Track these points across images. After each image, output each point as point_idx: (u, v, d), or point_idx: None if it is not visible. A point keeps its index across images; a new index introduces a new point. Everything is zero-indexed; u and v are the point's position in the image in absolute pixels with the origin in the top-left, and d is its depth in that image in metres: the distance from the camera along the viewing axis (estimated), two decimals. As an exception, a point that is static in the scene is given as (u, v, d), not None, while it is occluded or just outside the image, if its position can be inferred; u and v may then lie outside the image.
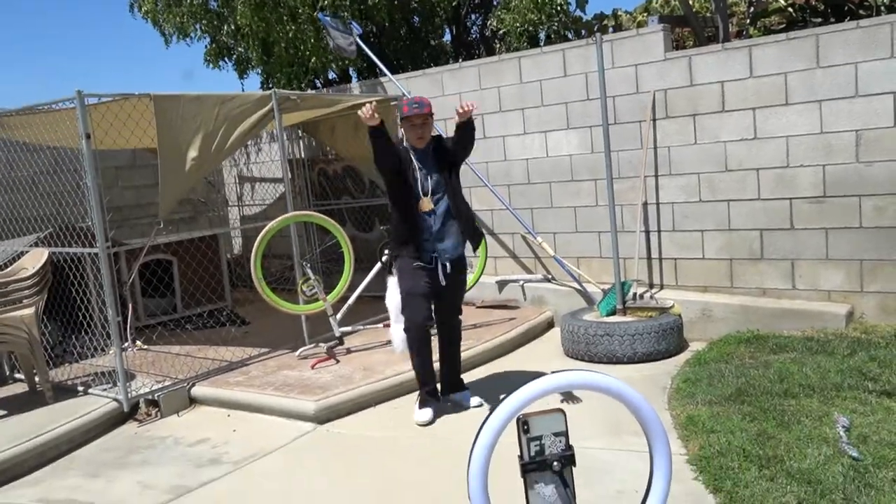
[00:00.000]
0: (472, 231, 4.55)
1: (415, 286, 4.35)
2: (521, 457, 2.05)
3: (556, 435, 2.02)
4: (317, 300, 5.69)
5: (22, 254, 5.56)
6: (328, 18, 7.31)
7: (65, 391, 5.19)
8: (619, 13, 9.84)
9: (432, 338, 4.53)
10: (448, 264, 4.38)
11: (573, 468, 2.06)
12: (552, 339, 5.96)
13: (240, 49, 9.21)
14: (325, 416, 4.59)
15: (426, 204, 4.34)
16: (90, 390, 5.14)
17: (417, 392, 4.56)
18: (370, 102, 4.19)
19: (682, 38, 8.25)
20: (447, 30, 10.42)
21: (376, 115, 4.12)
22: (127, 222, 7.79)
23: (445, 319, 4.57)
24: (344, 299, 5.86)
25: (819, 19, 7.28)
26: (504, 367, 5.42)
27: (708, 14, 8.08)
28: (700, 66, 5.61)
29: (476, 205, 6.99)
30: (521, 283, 6.69)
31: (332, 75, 9.54)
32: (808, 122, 5.23)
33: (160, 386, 5.09)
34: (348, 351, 5.68)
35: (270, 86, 8.36)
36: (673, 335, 5.26)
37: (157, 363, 5.69)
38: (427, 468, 3.84)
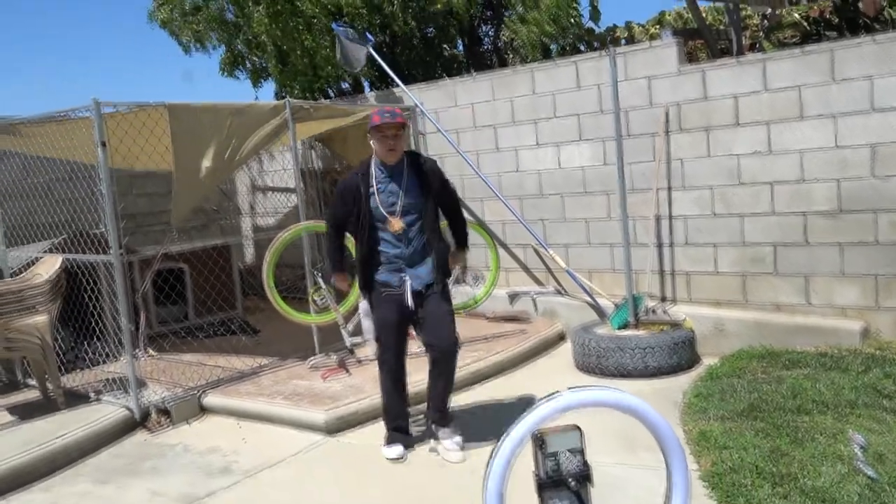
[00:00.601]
0: (444, 267, 4.12)
1: (386, 318, 4.04)
2: (536, 473, 2.03)
3: (572, 452, 2.00)
4: (328, 310, 5.70)
5: (36, 260, 5.60)
6: (342, 28, 7.34)
7: (76, 397, 5.21)
8: (633, 26, 9.84)
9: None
10: (419, 287, 4.01)
11: (590, 486, 2.04)
12: (563, 352, 5.94)
13: (255, 58, 9.27)
14: (335, 427, 4.58)
15: (395, 224, 3.95)
16: (102, 397, 5.15)
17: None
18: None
19: (695, 51, 8.24)
20: (460, 41, 10.46)
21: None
22: (140, 230, 7.83)
23: (433, 343, 4.07)
24: (355, 310, 5.86)
25: (834, 33, 7.25)
26: (514, 380, 5.39)
27: (721, 27, 8.07)
28: (714, 79, 5.59)
29: (488, 216, 6.99)
30: (533, 295, 6.67)
31: (345, 85, 9.59)
32: (822, 137, 5.20)
33: (171, 394, 5.10)
34: (359, 362, 5.67)
35: (284, 95, 8.40)
36: (685, 349, 5.23)
37: (168, 371, 5.70)
38: (439, 480, 3.82)
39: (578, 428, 2.05)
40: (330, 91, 9.45)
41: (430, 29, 9.51)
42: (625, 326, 5.53)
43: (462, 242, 4.34)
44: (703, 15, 8.12)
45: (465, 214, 4.50)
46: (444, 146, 6.99)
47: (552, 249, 6.48)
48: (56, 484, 4.18)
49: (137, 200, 8.03)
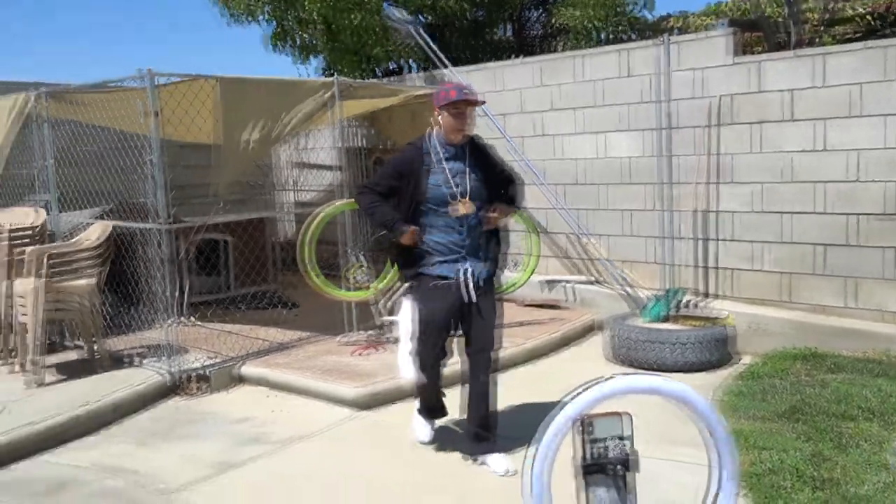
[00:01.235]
0: (497, 260, 3.82)
1: (435, 313, 3.65)
2: (583, 458, 1.98)
3: (619, 438, 1.97)
4: (363, 287, 5.74)
5: (88, 225, 5.75)
6: (393, 9, 7.36)
7: (119, 361, 5.35)
8: (689, 15, 9.62)
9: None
10: (479, 280, 3.67)
11: (637, 473, 2.01)
12: (596, 342, 5.90)
13: (304, 35, 9.30)
14: (366, 403, 4.63)
15: (463, 207, 3.61)
16: (144, 361, 5.29)
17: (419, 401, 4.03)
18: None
19: (751, 44, 8.04)
20: (508, 25, 10.36)
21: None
22: (188, 201, 7.95)
23: (476, 348, 3.72)
24: (392, 288, 5.89)
25: (897, 29, 7.00)
26: (545, 368, 5.38)
27: (780, 19, 7.85)
28: (769, 72, 5.45)
29: (530, 203, 6.93)
30: (569, 284, 6.63)
31: (392, 65, 9.59)
32: (877, 136, 5.05)
33: (211, 362, 5.21)
34: (396, 340, 5.70)
35: (333, 73, 8.43)
36: (722, 346, 5.15)
37: (208, 340, 5.82)
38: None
39: (629, 415, 2.01)
40: (377, 70, 9.46)
41: (481, 13, 9.44)
42: (660, 319, 5.47)
43: (512, 201, 3.95)
44: (762, 6, 7.90)
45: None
46: (486, 131, 6.95)
47: (593, 238, 6.42)
48: (98, 443, 4.29)
49: (184, 172, 8.15)
